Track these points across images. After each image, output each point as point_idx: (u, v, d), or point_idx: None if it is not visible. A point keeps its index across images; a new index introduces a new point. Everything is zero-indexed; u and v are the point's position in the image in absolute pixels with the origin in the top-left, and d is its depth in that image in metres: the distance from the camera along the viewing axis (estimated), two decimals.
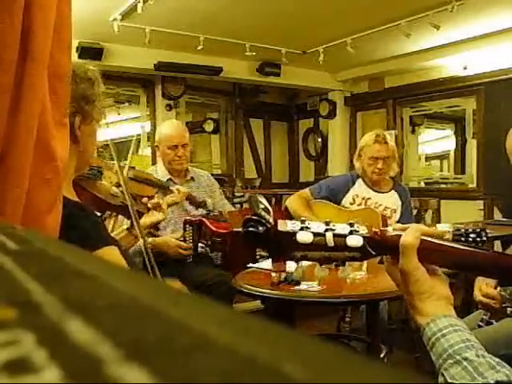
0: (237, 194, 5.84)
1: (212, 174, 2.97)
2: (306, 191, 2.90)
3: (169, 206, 2.11)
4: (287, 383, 0.12)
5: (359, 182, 2.88)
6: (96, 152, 1.45)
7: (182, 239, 2.39)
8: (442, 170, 6.66)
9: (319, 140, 6.84)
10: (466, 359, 0.70)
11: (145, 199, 1.68)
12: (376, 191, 2.85)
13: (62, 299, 0.18)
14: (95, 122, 1.24)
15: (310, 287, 1.78)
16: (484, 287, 1.68)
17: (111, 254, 1.12)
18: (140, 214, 1.47)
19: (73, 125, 1.16)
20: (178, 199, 2.20)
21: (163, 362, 0.13)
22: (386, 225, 2.62)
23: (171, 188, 2.23)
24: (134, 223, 1.44)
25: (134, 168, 2.09)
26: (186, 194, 2.29)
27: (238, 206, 5.25)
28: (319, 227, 0.74)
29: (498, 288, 1.64)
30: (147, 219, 1.71)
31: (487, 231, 1.94)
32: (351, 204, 2.82)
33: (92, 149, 1.28)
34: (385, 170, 2.80)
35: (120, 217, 1.67)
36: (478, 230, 1.78)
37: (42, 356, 0.13)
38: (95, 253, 1.06)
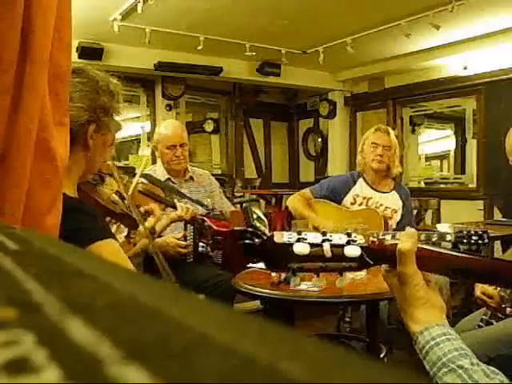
0: (237, 194, 5.84)
1: (212, 174, 2.96)
2: (307, 191, 2.89)
3: (173, 221, 2.11)
4: (286, 383, 0.12)
5: (360, 181, 2.88)
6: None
7: (182, 238, 2.39)
8: (442, 170, 6.65)
9: (319, 140, 6.84)
10: (460, 367, 0.70)
11: (141, 208, 1.68)
12: (377, 191, 2.85)
13: (62, 299, 0.18)
14: (110, 134, 1.26)
15: (310, 287, 1.78)
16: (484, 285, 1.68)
17: (113, 245, 1.14)
18: (136, 224, 1.48)
19: (86, 132, 1.18)
20: (184, 216, 2.19)
21: (163, 361, 0.13)
22: (387, 225, 2.61)
23: (177, 205, 2.22)
24: (141, 227, 1.44)
25: (143, 183, 2.10)
26: (193, 214, 2.27)
27: (238, 206, 5.25)
28: (316, 238, 0.74)
29: (498, 288, 1.64)
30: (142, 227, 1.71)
31: (488, 231, 1.93)
32: (352, 204, 2.81)
33: (102, 158, 1.29)
34: (384, 160, 2.79)
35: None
36: (480, 232, 1.78)
37: (42, 356, 0.13)
38: (97, 244, 1.08)
